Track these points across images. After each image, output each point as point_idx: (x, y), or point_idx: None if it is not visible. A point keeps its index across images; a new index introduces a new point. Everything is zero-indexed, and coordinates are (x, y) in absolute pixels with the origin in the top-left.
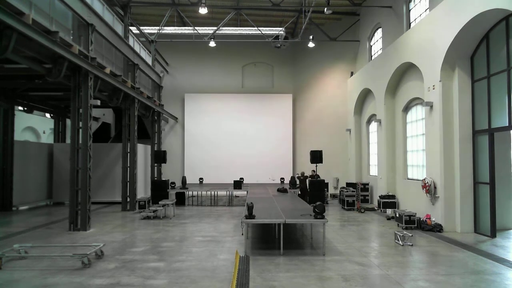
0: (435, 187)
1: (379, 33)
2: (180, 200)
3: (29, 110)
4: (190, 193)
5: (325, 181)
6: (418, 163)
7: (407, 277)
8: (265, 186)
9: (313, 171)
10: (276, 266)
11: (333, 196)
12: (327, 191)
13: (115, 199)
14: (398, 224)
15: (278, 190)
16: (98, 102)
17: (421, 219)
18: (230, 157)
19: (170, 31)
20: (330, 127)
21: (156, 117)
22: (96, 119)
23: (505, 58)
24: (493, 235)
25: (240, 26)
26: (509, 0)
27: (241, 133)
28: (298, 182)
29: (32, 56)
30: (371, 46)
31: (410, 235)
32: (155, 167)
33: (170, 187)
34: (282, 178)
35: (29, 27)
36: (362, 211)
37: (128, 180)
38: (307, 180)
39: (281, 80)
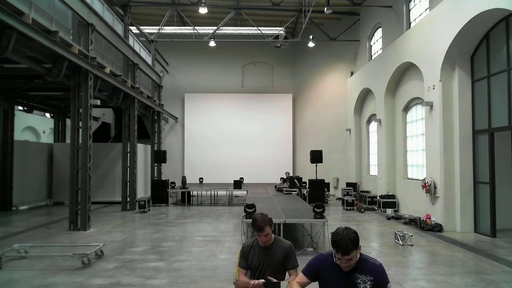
0: (435, 187)
1: (379, 33)
2: (185, 199)
3: (29, 110)
4: (190, 192)
5: (325, 181)
6: (418, 163)
7: (407, 276)
8: (265, 186)
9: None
10: None
11: (333, 195)
12: (328, 191)
13: (115, 199)
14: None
15: (278, 189)
16: (98, 102)
17: (421, 219)
18: (230, 157)
19: (170, 31)
20: (330, 127)
21: (156, 117)
22: (96, 119)
23: (505, 58)
24: (493, 235)
25: (240, 26)
26: (509, 0)
27: (241, 133)
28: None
29: (32, 56)
30: (371, 45)
31: (410, 235)
32: (155, 167)
33: (170, 187)
34: (282, 178)
35: (29, 27)
36: (362, 211)
37: (128, 180)
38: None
39: (281, 80)
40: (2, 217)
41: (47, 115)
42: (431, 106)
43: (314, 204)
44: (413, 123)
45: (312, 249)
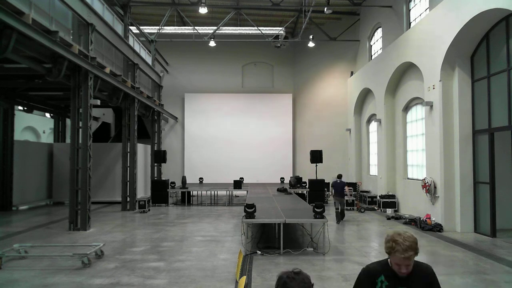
0: (435, 187)
1: (379, 33)
2: (185, 199)
3: (29, 110)
4: (190, 192)
5: (325, 181)
6: (418, 163)
7: None
8: (265, 186)
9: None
10: (276, 266)
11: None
12: (328, 191)
13: (115, 199)
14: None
15: (278, 190)
16: (98, 102)
17: (421, 219)
18: (230, 156)
19: (170, 31)
20: (330, 127)
21: (156, 117)
22: (96, 118)
23: (505, 58)
24: (493, 235)
25: (240, 26)
26: (509, 0)
27: (241, 133)
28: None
29: (32, 56)
30: (371, 45)
31: None
32: (155, 167)
33: (170, 186)
34: (282, 178)
35: (29, 27)
36: (362, 210)
37: (128, 180)
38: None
39: (281, 79)
40: (2, 217)
41: (47, 115)
42: (431, 106)
43: (314, 204)
44: (413, 123)
45: (312, 249)
